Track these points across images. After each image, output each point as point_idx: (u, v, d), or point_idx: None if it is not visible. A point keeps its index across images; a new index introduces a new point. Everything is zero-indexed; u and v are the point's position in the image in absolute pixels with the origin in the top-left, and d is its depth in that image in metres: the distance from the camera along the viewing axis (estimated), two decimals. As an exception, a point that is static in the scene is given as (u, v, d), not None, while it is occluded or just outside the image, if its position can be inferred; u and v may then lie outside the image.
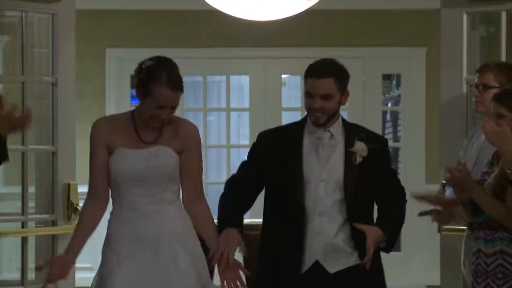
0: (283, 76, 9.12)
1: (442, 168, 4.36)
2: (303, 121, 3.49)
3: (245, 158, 3.64)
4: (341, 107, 3.37)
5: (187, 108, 8.73)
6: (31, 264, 4.52)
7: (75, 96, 4.77)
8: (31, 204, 4.73)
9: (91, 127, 3.33)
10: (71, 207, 4.65)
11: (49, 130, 4.77)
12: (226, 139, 8.75)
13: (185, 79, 9.30)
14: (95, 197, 3.30)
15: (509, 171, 3.44)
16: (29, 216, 4.60)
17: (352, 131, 3.41)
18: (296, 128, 3.48)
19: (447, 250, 4.68)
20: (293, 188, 3.33)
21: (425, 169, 7.57)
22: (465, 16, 4.62)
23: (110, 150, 3.28)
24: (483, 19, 4.88)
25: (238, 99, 9.48)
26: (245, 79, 8.73)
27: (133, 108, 3.45)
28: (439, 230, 4.67)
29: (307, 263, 3.31)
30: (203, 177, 3.59)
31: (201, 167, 3.55)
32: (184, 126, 3.45)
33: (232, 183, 3.55)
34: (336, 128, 3.40)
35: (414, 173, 7.93)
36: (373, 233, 3.25)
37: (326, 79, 3.28)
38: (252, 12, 6.21)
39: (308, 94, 3.31)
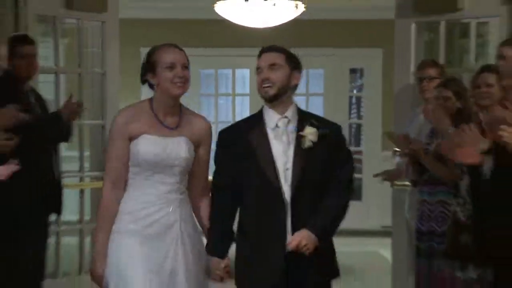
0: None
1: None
2: (259, 113, 2.76)
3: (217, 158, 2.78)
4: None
5: (203, 93, 8.64)
6: (87, 208, 4.52)
7: (119, 83, 4.72)
8: (86, 164, 4.71)
9: (112, 121, 2.72)
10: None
11: (99, 109, 4.70)
12: (232, 117, 8.62)
13: (201, 72, 9.30)
14: (117, 181, 2.65)
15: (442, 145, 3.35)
16: (85, 173, 4.62)
17: (306, 118, 2.72)
18: (256, 120, 2.75)
19: (396, 200, 4.59)
20: (269, 177, 2.63)
21: (381, 140, 7.51)
22: (413, 25, 4.53)
23: (133, 138, 2.63)
24: (427, 26, 4.81)
25: (241, 87, 9.34)
26: (246, 72, 8.63)
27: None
28: (391, 185, 4.57)
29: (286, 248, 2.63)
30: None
31: (209, 163, 2.85)
32: (199, 120, 2.79)
33: (219, 204, 2.73)
34: (292, 114, 2.70)
35: (373, 143, 7.90)
36: (297, 236, 2.57)
37: (274, 52, 2.70)
38: (252, 20, 6.16)
39: (258, 70, 2.69)
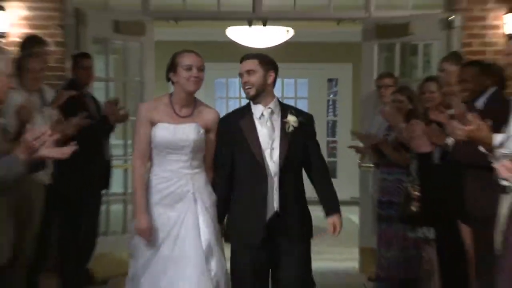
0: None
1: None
2: (248, 105, 2.63)
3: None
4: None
5: (217, 97, 8.55)
6: (129, 183, 4.46)
7: (153, 89, 4.63)
8: (129, 150, 4.65)
9: (138, 109, 2.65)
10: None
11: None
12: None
13: (216, 81, 9.13)
14: (143, 158, 2.55)
15: (400, 137, 3.35)
16: (128, 157, 4.59)
17: (286, 109, 2.62)
18: (246, 110, 2.62)
19: (363, 178, 4.57)
20: (256, 157, 2.52)
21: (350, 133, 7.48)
22: (375, 46, 4.50)
23: (152, 124, 2.52)
24: (386, 47, 4.76)
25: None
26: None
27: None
28: (359, 167, 4.52)
29: (269, 212, 2.51)
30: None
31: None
32: (209, 111, 2.66)
33: (217, 174, 2.63)
34: (275, 106, 2.58)
35: (345, 134, 7.86)
36: (332, 221, 2.58)
37: (249, 60, 2.57)
38: (254, 42, 6.11)
39: (239, 75, 2.59)
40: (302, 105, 8.23)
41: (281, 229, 2.49)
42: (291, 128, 2.51)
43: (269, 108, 2.54)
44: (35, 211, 3.05)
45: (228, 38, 6.34)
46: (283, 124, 2.52)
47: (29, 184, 2.79)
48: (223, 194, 2.57)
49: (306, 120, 2.58)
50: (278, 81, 2.74)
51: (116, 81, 5.19)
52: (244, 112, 2.59)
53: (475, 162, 2.56)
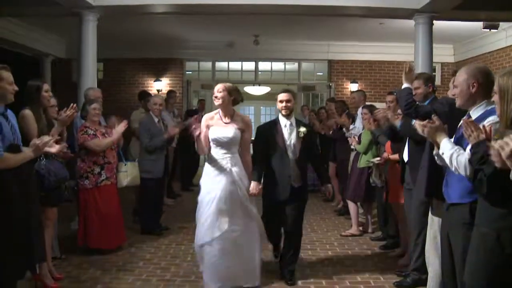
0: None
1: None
2: (277, 119, 3.81)
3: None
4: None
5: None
6: None
7: None
8: None
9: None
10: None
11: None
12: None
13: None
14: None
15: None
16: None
17: (299, 123, 3.82)
18: (275, 122, 3.81)
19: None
20: (282, 150, 3.72)
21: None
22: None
23: (208, 128, 3.63)
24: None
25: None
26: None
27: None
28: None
29: (292, 184, 3.73)
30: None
31: (250, 140, 3.77)
32: (245, 118, 3.75)
33: (256, 157, 3.77)
34: (292, 120, 3.78)
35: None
36: (327, 188, 3.98)
37: (288, 93, 3.74)
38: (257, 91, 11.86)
39: (280, 101, 3.75)
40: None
41: (294, 194, 3.74)
42: (301, 135, 3.73)
43: (290, 121, 3.76)
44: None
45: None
46: (297, 133, 3.75)
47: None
48: (259, 169, 3.76)
49: (310, 130, 3.85)
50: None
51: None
52: (274, 123, 3.83)
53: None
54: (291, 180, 3.72)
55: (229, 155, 3.63)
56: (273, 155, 3.74)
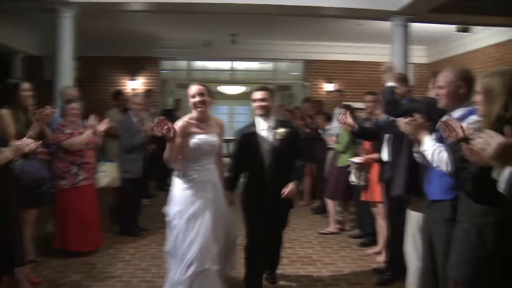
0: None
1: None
2: (253, 122, 3.48)
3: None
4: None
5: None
6: None
7: None
8: None
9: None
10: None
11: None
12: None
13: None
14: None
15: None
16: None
17: (279, 123, 3.48)
18: (252, 125, 3.48)
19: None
20: (259, 155, 3.38)
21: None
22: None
23: (187, 136, 3.22)
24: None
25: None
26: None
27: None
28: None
29: (270, 191, 3.35)
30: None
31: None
32: (219, 121, 3.43)
33: (232, 164, 3.50)
34: (271, 122, 3.47)
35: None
36: (289, 187, 3.33)
37: (263, 91, 3.42)
38: (234, 90, 11.78)
39: (254, 100, 3.43)
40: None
41: (276, 200, 3.39)
42: (279, 136, 3.41)
43: (269, 123, 3.44)
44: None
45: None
46: (275, 134, 3.42)
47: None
48: (234, 177, 3.52)
49: (292, 130, 3.50)
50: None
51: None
52: (251, 126, 3.49)
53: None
54: (271, 187, 3.37)
55: (211, 165, 3.32)
56: (252, 161, 3.41)
